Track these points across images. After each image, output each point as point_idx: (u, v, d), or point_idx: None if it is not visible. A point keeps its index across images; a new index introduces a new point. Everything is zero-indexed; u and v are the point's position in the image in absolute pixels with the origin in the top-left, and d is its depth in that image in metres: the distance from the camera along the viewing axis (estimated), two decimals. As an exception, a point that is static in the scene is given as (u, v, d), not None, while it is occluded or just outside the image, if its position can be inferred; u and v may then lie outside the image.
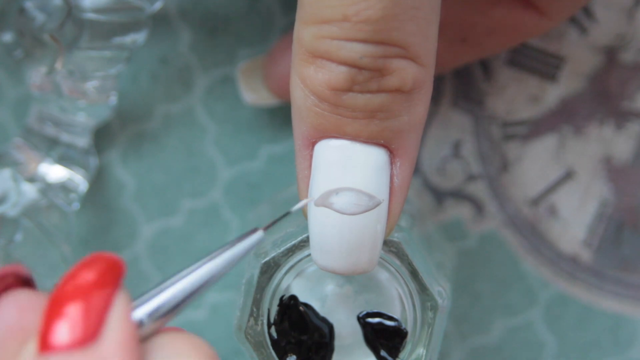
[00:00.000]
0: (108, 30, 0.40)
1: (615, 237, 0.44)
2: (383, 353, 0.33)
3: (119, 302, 0.26)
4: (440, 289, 0.33)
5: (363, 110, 0.29)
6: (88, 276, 0.26)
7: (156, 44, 0.44)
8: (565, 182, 0.44)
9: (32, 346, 0.26)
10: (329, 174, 0.30)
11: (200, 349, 0.26)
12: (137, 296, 0.27)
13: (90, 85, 0.41)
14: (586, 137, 0.44)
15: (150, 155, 0.44)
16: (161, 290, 0.27)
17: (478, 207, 0.44)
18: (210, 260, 0.28)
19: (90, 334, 0.25)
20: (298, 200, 0.32)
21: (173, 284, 0.27)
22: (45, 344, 0.25)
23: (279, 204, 0.40)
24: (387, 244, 0.32)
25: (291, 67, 0.30)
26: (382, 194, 0.30)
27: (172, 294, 0.27)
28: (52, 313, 0.26)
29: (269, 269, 0.32)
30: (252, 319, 0.32)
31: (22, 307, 0.26)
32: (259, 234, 0.29)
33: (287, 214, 0.30)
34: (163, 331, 0.27)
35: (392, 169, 0.31)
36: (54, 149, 0.42)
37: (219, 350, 0.35)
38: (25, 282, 0.27)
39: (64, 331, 0.25)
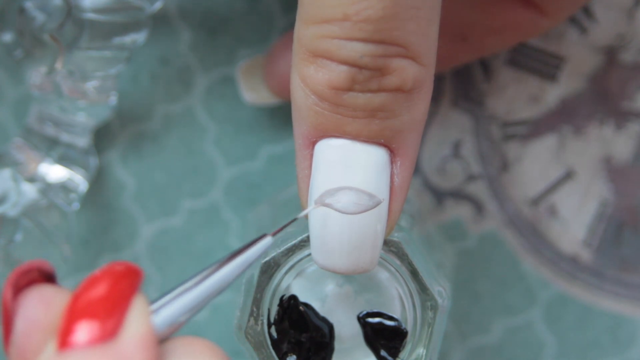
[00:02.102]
0: (108, 30, 0.40)
1: (615, 237, 0.44)
2: (383, 353, 0.33)
3: (138, 304, 0.26)
4: (440, 289, 0.33)
5: (363, 109, 0.29)
6: (108, 279, 0.26)
7: (156, 44, 0.44)
8: (565, 182, 0.44)
9: (52, 344, 0.26)
10: (330, 173, 0.30)
11: (213, 349, 0.27)
12: (151, 301, 0.27)
13: (90, 85, 0.41)
14: (586, 137, 0.44)
15: (150, 155, 0.44)
16: (175, 297, 0.27)
17: (478, 207, 0.44)
18: (221, 267, 0.28)
19: (109, 332, 0.26)
20: (299, 200, 0.32)
21: (186, 291, 0.27)
22: (64, 342, 0.26)
23: (279, 204, 0.40)
24: (387, 243, 0.32)
25: (292, 66, 0.30)
26: (383, 193, 0.30)
27: (185, 301, 0.27)
28: (73, 312, 0.26)
29: (269, 269, 0.32)
30: (252, 319, 0.32)
31: (47, 301, 0.27)
32: (267, 240, 0.29)
33: (294, 220, 0.30)
34: (174, 337, 0.27)
35: (392, 168, 0.31)
36: (54, 149, 0.42)
37: (219, 350, 0.35)
38: (49, 278, 0.28)
39: (83, 329, 0.26)
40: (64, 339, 0.26)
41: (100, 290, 0.26)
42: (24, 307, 0.27)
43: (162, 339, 0.27)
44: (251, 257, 0.29)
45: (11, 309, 0.27)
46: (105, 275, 0.26)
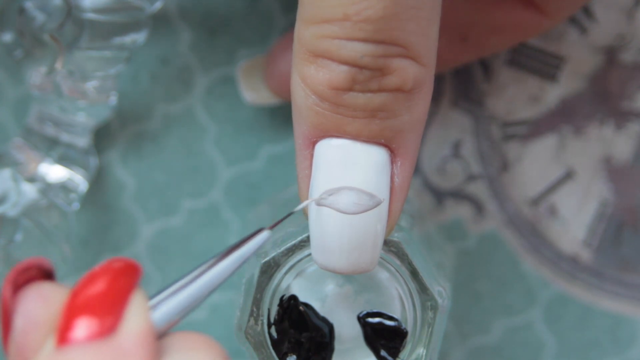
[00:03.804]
0: (108, 30, 0.40)
1: (615, 237, 0.44)
2: (383, 353, 0.33)
3: (137, 299, 0.26)
4: (440, 289, 0.33)
5: (364, 109, 0.29)
6: (106, 276, 0.26)
7: (156, 44, 0.44)
8: (565, 182, 0.44)
9: (51, 341, 0.26)
10: (330, 173, 0.30)
11: (211, 345, 0.27)
12: (150, 297, 0.27)
13: (90, 85, 0.41)
14: (586, 137, 0.44)
15: (150, 155, 0.44)
16: (173, 292, 0.27)
17: (478, 207, 0.44)
18: (218, 261, 0.28)
19: (108, 327, 0.26)
20: (299, 200, 0.32)
21: (184, 286, 0.27)
22: (63, 338, 0.26)
23: (279, 204, 0.40)
24: (387, 243, 0.32)
25: (292, 66, 0.30)
26: (383, 193, 0.30)
27: (184, 296, 0.27)
28: (71, 308, 0.26)
29: (269, 269, 0.32)
30: (252, 319, 0.32)
31: (46, 298, 0.27)
32: (265, 234, 0.29)
33: (290, 214, 0.30)
34: (172, 332, 0.27)
35: (392, 168, 0.31)
36: (54, 149, 0.42)
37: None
38: (47, 275, 0.28)
39: (82, 325, 0.26)
40: (63, 335, 0.26)
41: (99, 286, 0.26)
42: (23, 305, 0.27)
43: (161, 335, 0.27)
44: (248, 251, 0.28)
45: (10, 306, 0.27)
46: (103, 271, 0.27)
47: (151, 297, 0.27)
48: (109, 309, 0.26)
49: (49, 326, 0.26)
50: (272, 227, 0.29)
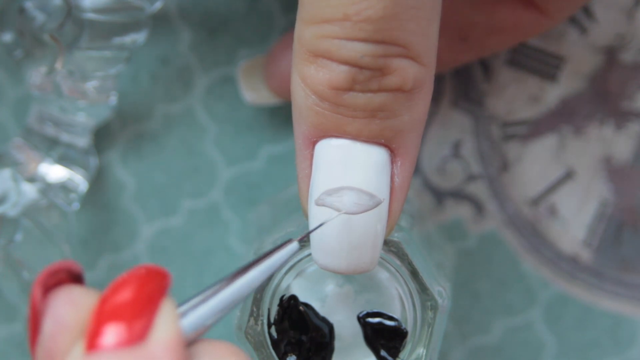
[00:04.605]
0: (108, 30, 0.40)
1: (615, 237, 0.44)
2: (383, 353, 0.33)
3: (166, 307, 0.26)
4: (440, 289, 0.33)
5: (364, 109, 0.30)
6: (135, 282, 0.26)
7: (156, 44, 0.44)
8: (565, 182, 0.44)
9: (80, 346, 0.26)
10: (330, 173, 0.30)
11: (239, 354, 0.27)
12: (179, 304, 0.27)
13: (90, 85, 0.41)
14: (586, 137, 0.44)
15: (150, 155, 0.44)
16: (202, 300, 0.27)
17: (478, 207, 0.44)
18: (247, 271, 0.28)
19: (138, 335, 0.26)
20: (299, 200, 0.32)
21: (213, 294, 0.27)
22: (92, 344, 0.26)
23: (279, 204, 0.40)
24: (387, 243, 0.32)
25: (292, 66, 0.30)
26: (383, 193, 0.30)
27: (212, 304, 0.27)
28: (101, 314, 0.26)
29: (269, 269, 0.32)
30: (252, 319, 0.32)
31: (76, 302, 0.27)
32: (294, 245, 0.29)
33: (321, 224, 0.30)
34: (200, 340, 0.27)
35: (392, 168, 0.31)
36: (54, 149, 0.42)
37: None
38: (76, 279, 0.28)
39: (112, 331, 0.26)
40: (92, 341, 0.26)
41: (128, 293, 0.26)
42: (52, 308, 0.27)
43: (190, 342, 0.27)
44: (277, 261, 0.29)
45: (40, 308, 0.27)
46: (132, 278, 0.26)
47: (180, 304, 0.27)
48: (138, 316, 0.26)
49: (77, 330, 0.26)
50: (301, 239, 0.29)
